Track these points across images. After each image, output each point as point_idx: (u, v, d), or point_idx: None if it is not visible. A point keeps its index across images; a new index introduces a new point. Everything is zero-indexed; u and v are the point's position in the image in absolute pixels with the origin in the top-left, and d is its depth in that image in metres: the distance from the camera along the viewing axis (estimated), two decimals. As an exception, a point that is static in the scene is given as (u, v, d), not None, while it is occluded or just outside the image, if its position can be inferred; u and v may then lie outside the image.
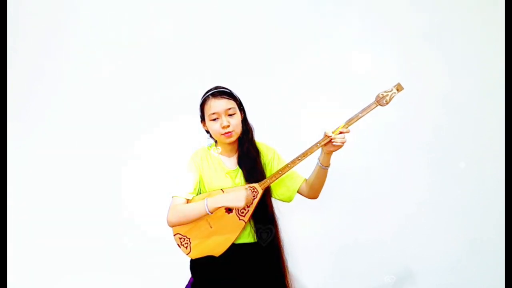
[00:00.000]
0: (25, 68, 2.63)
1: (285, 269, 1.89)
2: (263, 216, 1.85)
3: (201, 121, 1.90)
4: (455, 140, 2.63)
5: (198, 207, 1.72)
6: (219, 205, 1.70)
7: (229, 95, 1.82)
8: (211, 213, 1.71)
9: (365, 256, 2.60)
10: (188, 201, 1.80)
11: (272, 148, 1.96)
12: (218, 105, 1.78)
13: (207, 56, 2.62)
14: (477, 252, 2.60)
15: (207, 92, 1.85)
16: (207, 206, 1.70)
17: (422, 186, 2.62)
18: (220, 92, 1.81)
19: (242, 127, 1.85)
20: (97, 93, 2.63)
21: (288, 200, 1.93)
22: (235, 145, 1.90)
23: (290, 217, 2.47)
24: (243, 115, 1.87)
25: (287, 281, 1.88)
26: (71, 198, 2.61)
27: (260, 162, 1.87)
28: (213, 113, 1.78)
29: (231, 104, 1.80)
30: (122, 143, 2.62)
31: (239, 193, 1.70)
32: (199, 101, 1.88)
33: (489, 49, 2.63)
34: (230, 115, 1.79)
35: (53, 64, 2.65)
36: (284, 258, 1.90)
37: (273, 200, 1.92)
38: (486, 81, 2.63)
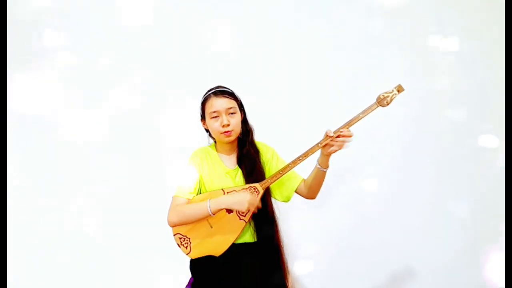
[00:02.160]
0: (25, 68, 2.63)
1: (285, 269, 1.88)
2: (263, 216, 1.84)
3: (201, 119, 1.90)
4: (455, 140, 2.63)
5: (201, 208, 1.72)
6: (222, 207, 1.70)
7: (231, 95, 1.84)
8: (213, 214, 1.72)
9: (365, 256, 2.60)
10: (188, 201, 1.80)
11: (271, 148, 1.96)
12: (219, 103, 1.79)
13: (207, 56, 2.62)
14: (477, 252, 2.61)
15: (208, 91, 1.86)
16: (209, 207, 1.70)
17: (422, 187, 2.62)
18: (222, 91, 1.83)
19: (242, 127, 1.86)
20: (96, 93, 2.63)
21: (286, 200, 1.94)
22: (235, 145, 1.90)
23: (290, 217, 2.48)
24: (243, 115, 1.88)
25: (287, 281, 1.88)
26: (70, 198, 2.61)
27: (260, 162, 1.88)
28: (214, 111, 1.79)
29: (232, 103, 1.81)
30: (122, 143, 2.61)
31: (243, 197, 1.70)
32: (199, 100, 1.89)
33: (489, 49, 2.64)
34: (230, 114, 1.80)
35: (53, 64, 2.64)
36: (284, 258, 1.89)
37: (273, 200, 1.92)
38: (486, 81, 2.64)
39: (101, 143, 2.61)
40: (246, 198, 1.69)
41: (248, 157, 1.85)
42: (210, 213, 1.71)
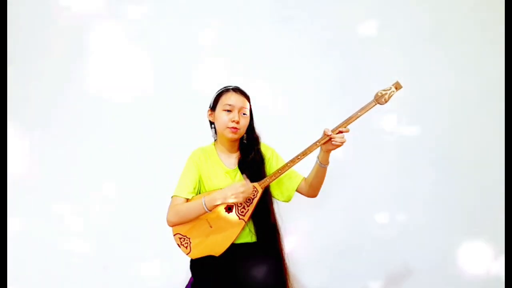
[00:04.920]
0: (25, 68, 2.64)
1: (285, 269, 1.88)
2: (264, 216, 1.84)
3: (210, 109, 1.91)
4: (455, 140, 2.63)
5: (196, 206, 1.72)
6: (218, 203, 1.68)
7: (247, 98, 1.88)
8: (210, 210, 1.71)
9: (365, 256, 2.60)
10: (187, 201, 1.80)
11: (271, 148, 1.97)
12: (237, 99, 1.83)
13: (207, 57, 2.63)
14: (477, 252, 2.60)
15: (227, 87, 1.89)
16: (204, 204, 1.69)
17: (423, 187, 2.62)
18: (241, 91, 1.88)
19: (249, 134, 1.89)
20: (95, 92, 2.63)
21: (287, 199, 1.94)
22: (235, 145, 1.91)
23: (290, 217, 2.48)
24: (250, 122, 1.90)
25: (287, 281, 1.88)
26: (69, 198, 2.62)
27: (264, 168, 1.89)
28: (229, 104, 1.82)
29: (247, 105, 1.86)
30: (121, 143, 2.62)
31: (236, 189, 1.67)
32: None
33: (489, 49, 2.64)
34: (242, 114, 1.83)
35: (53, 63, 2.65)
36: (284, 258, 1.89)
37: (274, 200, 1.93)
38: (486, 81, 2.64)
39: (100, 143, 2.61)
40: (240, 189, 1.66)
41: (252, 163, 1.86)
42: (206, 209, 1.70)
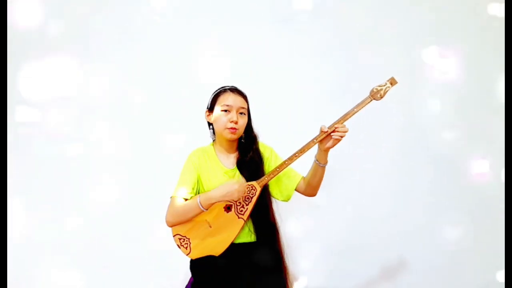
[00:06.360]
0: (25, 67, 2.65)
1: (285, 269, 1.88)
2: (263, 215, 1.84)
3: (207, 110, 1.91)
4: (455, 140, 2.63)
5: (192, 205, 1.73)
6: (213, 201, 1.70)
7: (245, 97, 1.88)
8: (206, 209, 1.72)
9: (365, 256, 2.60)
10: (186, 201, 1.80)
11: (269, 147, 1.97)
12: (234, 99, 1.82)
13: (206, 57, 2.63)
14: (477, 252, 2.60)
15: (224, 87, 1.89)
16: (200, 203, 1.71)
17: (423, 186, 2.62)
18: (239, 91, 1.88)
19: (247, 133, 1.89)
20: (95, 91, 2.64)
21: (286, 199, 1.93)
22: (234, 145, 1.91)
23: (290, 217, 2.48)
24: (248, 121, 1.89)
25: (287, 281, 1.87)
26: (69, 198, 2.62)
27: (263, 168, 1.88)
28: (227, 105, 1.81)
29: (245, 105, 1.85)
30: (121, 143, 2.62)
31: (230, 187, 1.69)
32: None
33: (489, 49, 2.64)
34: (240, 113, 1.83)
35: (52, 62, 2.66)
36: (284, 258, 1.89)
37: (273, 200, 1.92)
38: (486, 80, 2.64)
39: (100, 142, 2.62)
40: (234, 187, 1.69)
41: (250, 163, 1.86)
42: (202, 208, 1.71)
